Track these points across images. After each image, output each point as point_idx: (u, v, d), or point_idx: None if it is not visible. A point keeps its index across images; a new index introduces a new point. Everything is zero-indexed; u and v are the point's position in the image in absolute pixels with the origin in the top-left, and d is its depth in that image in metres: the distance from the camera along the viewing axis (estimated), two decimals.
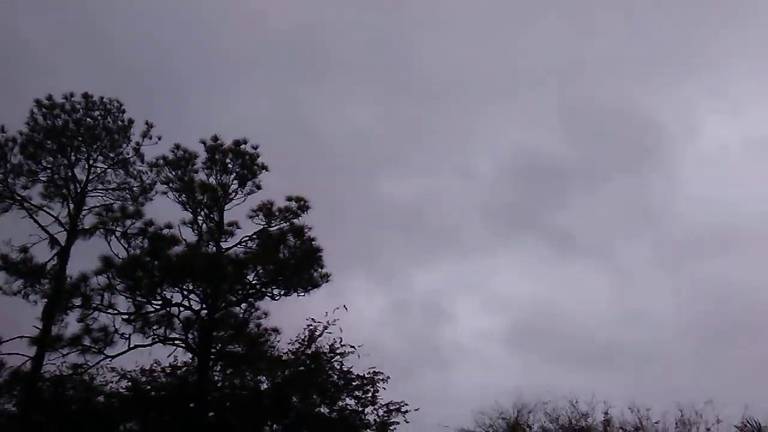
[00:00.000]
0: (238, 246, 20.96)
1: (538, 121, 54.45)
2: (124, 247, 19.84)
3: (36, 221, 22.12)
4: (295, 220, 21.09)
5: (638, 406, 22.07)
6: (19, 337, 19.71)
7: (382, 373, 22.84)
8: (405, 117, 52.88)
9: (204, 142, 21.57)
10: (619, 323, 41.06)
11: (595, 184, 50.53)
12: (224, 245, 20.94)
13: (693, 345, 37.87)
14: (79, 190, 23.32)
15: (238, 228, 21.18)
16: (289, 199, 21.31)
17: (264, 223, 21.20)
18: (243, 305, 20.57)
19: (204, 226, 20.99)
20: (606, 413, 22.62)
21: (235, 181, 21.66)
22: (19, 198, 22.32)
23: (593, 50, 56.55)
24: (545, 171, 50.57)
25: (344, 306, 22.54)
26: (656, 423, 21.86)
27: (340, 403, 22.46)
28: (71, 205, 22.97)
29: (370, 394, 22.51)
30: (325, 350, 22.58)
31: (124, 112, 24.56)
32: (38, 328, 19.95)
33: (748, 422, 18.02)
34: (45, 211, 22.66)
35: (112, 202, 23.46)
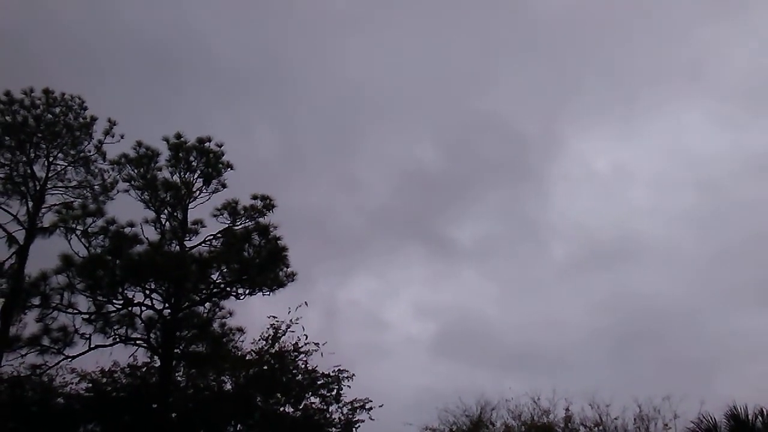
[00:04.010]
0: (203, 245, 20.80)
1: (422, 136, 56.41)
2: (85, 246, 19.43)
3: None
4: (260, 219, 21.01)
5: (598, 402, 22.48)
6: None
7: (347, 371, 22.93)
8: (293, 134, 53.86)
9: (167, 140, 21.31)
10: (520, 327, 43.02)
11: (478, 197, 53.24)
12: (188, 244, 20.74)
13: (603, 348, 39.73)
14: (38, 188, 22.93)
15: (203, 227, 21.00)
16: (255, 197, 21.21)
17: (229, 221, 21.07)
18: (207, 304, 20.41)
19: (167, 224, 20.74)
20: (567, 410, 23.00)
21: (200, 180, 21.48)
22: None
23: (480, 67, 58.61)
24: (430, 184, 52.93)
25: (305, 303, 22.61)
26: (615, 419, 22.29)
27: (305, 402, 22.48)
28: (30, 203, 22.59)
29: (334, 392, 22.58)
30: (289, 349, 22.57)
31: (86, 109, 24.24)
32: None
33: (704, 418, 18.38)
34: (3, 208, 22.35)
35: (72, 199, 23.14)
